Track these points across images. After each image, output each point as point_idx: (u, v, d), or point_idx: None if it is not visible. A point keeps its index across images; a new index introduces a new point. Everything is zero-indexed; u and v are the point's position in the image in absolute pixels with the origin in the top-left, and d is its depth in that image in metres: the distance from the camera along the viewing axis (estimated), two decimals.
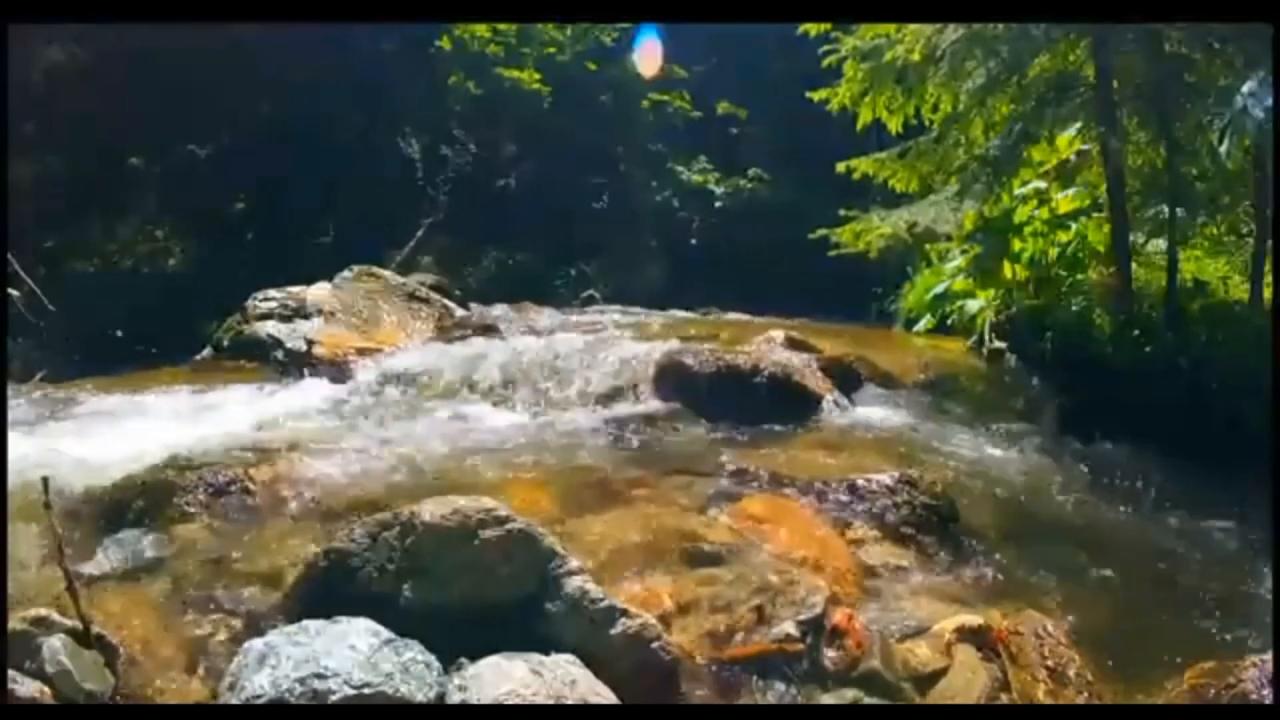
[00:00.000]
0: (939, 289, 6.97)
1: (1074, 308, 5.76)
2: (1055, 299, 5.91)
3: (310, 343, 5.48)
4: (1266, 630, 2.82)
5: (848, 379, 4.99)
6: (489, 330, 6.02)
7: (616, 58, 13.57)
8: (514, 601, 2.38)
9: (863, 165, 7.06)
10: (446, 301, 6.66)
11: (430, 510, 2.43)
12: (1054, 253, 6.12)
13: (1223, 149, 4.87)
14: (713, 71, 14.41)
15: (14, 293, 7.46)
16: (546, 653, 2.21)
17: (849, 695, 2.41)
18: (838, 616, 2.59)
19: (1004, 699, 2.48)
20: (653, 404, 4.58)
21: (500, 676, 2.10)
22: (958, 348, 6.12)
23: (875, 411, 4.80)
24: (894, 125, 6.84)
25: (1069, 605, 2.96)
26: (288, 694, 1.98)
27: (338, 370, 5.18)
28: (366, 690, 2.00)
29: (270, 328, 5.70)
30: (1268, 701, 2.27)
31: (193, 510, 3.11)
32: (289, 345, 5.52)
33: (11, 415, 4.07)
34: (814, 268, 9.65)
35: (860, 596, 2.86)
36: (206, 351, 5.98)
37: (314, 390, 4.90)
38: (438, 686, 2.10)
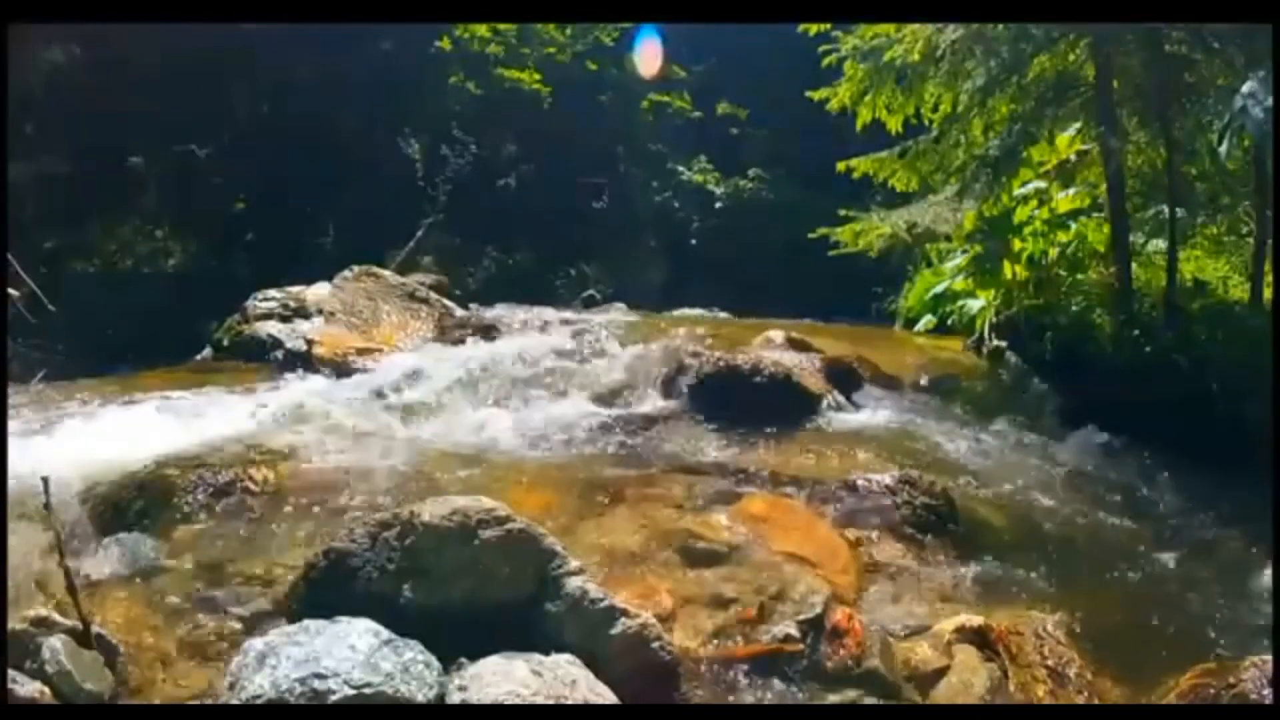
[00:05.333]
0: (939, 289, 6.97)
1: (1074, 308, 5.76)
2: (1055, 299, 5.91)
3: (310, 343, 5.47)
4: (1266, 630, 2.82)
5: (848, 379, 4.99)
6: (488, 330, 6.00)
7: (616, 58, 13.58)
8: (514, 601, 2.38)
9: (863, 165, 7.05)
10: (446, 301, 6.63)
11: (430, 510, 2.43)
12: (1054, 253, 6.11)
13: (1223, 149, 4.86)
14: (713, 71, 14.42)
15: (14, 293, 7.44)
16: (546, 653, 2.21)
17: (849, 695, 2.42)
18: (838, 616, 2.60)
19: (1004, 699, 2.48)
20: (652, 404, 4.58)
21: (500, 676, 2.10)
22: (958, 348, 6.12)
23: (875, 411, 4.80)
24: (894, 125, 6.82)
25: (1069, 605, 2.96)
26: (288, 694, 1.98)
27: (337, 370, 5.18)
28: (366, 690, 2.00)
29: (270, 328, 5.70)
30: (1268, 702, 2.27)
31: (193, 510, 3.11)
32: (289, 345, 5.51)
33: (11, 415, 4.07)
34: (814, 268, 9.65)
35: (860, 596, 2.86)
36: (206, 351, 5.97)
37: (313, 390, 4.88)
38: (438, 686, 2.10)
